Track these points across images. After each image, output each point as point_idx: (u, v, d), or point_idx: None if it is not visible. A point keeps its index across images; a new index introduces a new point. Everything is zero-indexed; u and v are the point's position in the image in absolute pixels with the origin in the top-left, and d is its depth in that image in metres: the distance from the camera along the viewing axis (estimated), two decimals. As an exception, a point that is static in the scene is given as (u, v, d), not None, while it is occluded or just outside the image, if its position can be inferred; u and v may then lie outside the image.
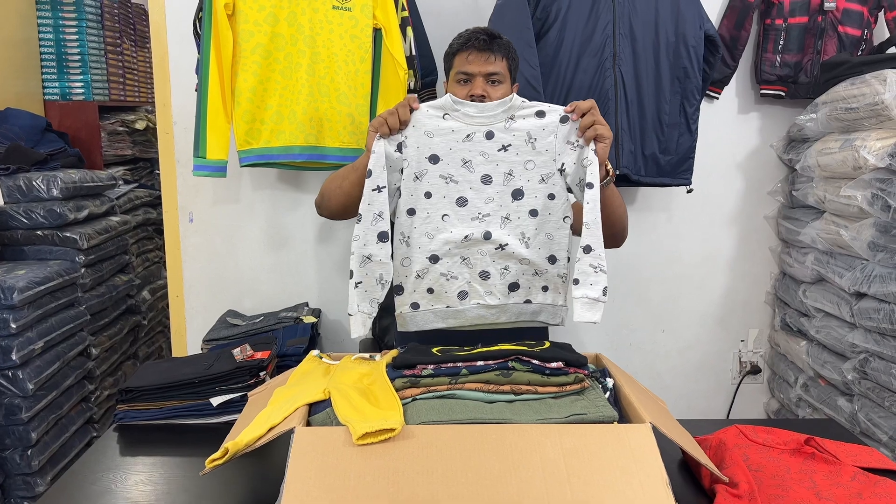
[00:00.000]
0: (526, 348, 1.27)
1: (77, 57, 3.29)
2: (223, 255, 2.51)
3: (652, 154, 2.21)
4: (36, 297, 2.24)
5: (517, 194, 1.45)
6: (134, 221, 3.15)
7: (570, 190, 1.46)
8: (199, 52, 2.07)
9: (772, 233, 2.70)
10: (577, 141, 1.42)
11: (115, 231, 2.85)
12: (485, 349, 1.29)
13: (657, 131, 2.20)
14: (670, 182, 2.28)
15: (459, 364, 1.25)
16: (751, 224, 2.70)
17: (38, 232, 2.52)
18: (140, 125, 3.67)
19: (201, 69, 2.02)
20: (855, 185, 2.02)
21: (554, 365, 1.25)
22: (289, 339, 2.05)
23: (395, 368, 1.28)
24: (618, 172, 2.15)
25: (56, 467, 2.32)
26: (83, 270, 2.57)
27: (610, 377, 1.35)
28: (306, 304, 2.45)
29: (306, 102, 2.08)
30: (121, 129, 3.52)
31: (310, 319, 2.23)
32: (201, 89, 2.02)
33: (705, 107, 2.36)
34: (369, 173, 1.40)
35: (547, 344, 1.31)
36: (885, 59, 2.10)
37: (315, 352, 1.46)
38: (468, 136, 1.45)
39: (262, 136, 2.08)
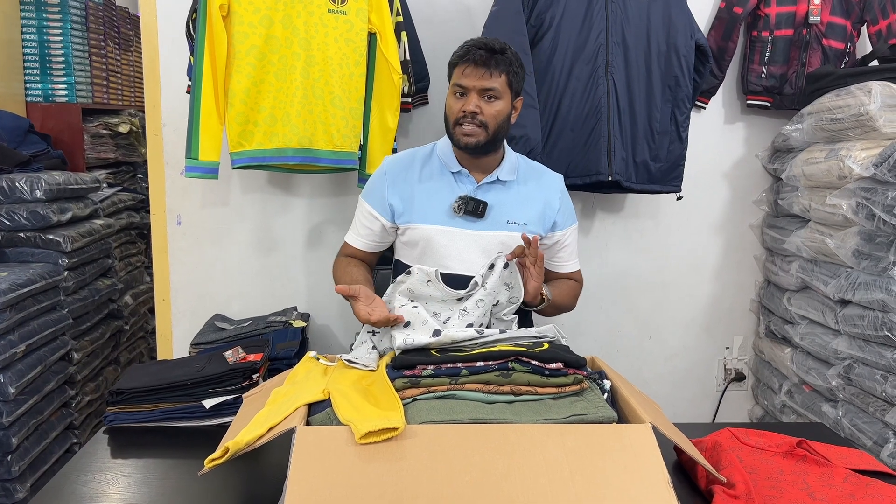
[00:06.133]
0: (525, 349, 1.28)
1: (61, 59, 3.24)
2: (211, 258, 2.48)
3: (643, 161, 2.23)
4: (18, 300, 2.19)
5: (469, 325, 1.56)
6: (117, 225, 3.11)
7: (489, 323, 1.62)
8: (192, 54, 2.06)
9: (756, 241, 2.74)
10: (510, 283, 1.63)
11: (98, 234, 2.81)
12: (484, 350, 1.29)
13: (648, 139, 2.23)
14: (661, 189, 2.30)
15: (459, 365, 1.25)
16: (736, 232, 2.74)
17: (21, 234, 2.48)
18: (123, 129, 3.63)
19: (195, 70, 2.00)
20: (840, 194, 2.06)
21: (553, 366, 1.26)
22: (279, 342, 2.03)
23: (395, 369, 1.28)
24: (609, 179, 2.17)
25: (36, 473, 2.27)
26: (66, 273, 2.53)
27: (607, 379, 1.36)
28: (295, 309, 2.43)
29: (300, 105, 2.07)
30: (104, 132, 3.48)
31: (299, 324, 2.21)
32: (195, 90, 2.00)
33: (692, 116, 2.40)
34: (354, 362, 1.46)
35: (546, 345, 1.31)
36: (869, 71, 2.15)
37: (312, 353, 1.45)
38: (442, 300, 1.60)
39: (255, 137, 2.07)
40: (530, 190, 1.79)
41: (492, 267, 1.61)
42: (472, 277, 1.62)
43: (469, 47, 1.67)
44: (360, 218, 1.82)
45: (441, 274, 1.61)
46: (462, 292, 1.59)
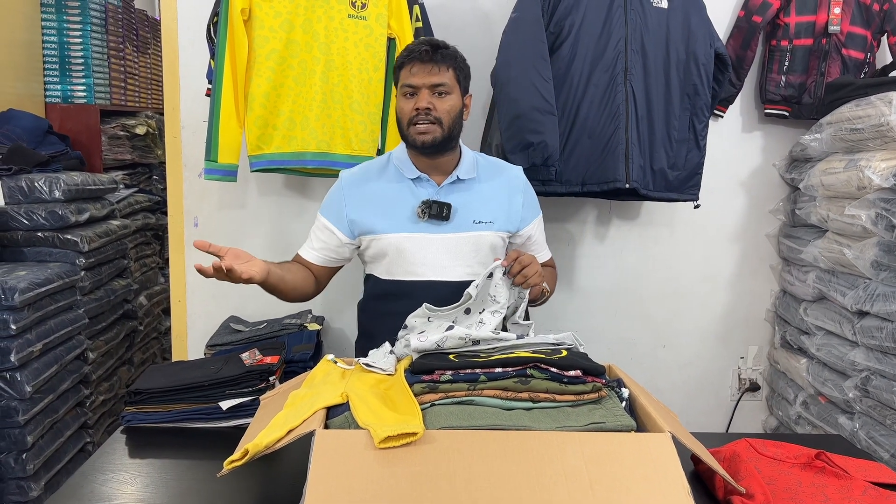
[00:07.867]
0: (544, 356, 1.27)
1: (80, 60, 3.28)
2: (227, 260, 2.49)
3: (661, 169, 2.23)
4: (36, 299, 2.21)
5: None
6: (133, 226, 3.13)
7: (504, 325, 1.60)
8: (212, 57, 2.08)
9: (773, 251, 2.73)
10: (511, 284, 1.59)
11: (114, 235, 2.83)
12: (503, 356, 1.29)
13: (666, 146, 2.22)
14: (678, 197, 2.29)
15: (478, 370, 1.25)
16: (752, 242, 2.72)
17: (39, 233, 2.50)
18: (140, 130, 3.66)
19: (215, 73, 2.02)
20: (859, 204, 2.05)
21: (572, 373, 1.25)
22: (294, 345, 2.04)
23: (413, 373, 1.28)
24: (627, 187, 2.17)
25: (50, 472, 2.28)
26: (83, 273, 2.55)
27: (625, 387, 1.36)
28: (310, 312, 2.43)
29: (319, 109, 2.08)
30: (121, 133, 3.51)
31: (314, 327, 2.21)
32: (215, 93, 2.02)
33: (710, 125, 2.39)
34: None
35: (564, 352, 1.31)
36: (889, 81, 2.14)
37: (330, 356, 1.45)
38: (452, 324, 1.53)
39: (274, 141, 2.09)
40: (493, 187, 1.77)
41: (490, 275, 1.57)
42: (447, 283, 1.64)
43: (412, 46, 1.68)
44: (316, 231, 1.79)
45: (415, 282, 1.61)
46: (464, 304, 1.55)
